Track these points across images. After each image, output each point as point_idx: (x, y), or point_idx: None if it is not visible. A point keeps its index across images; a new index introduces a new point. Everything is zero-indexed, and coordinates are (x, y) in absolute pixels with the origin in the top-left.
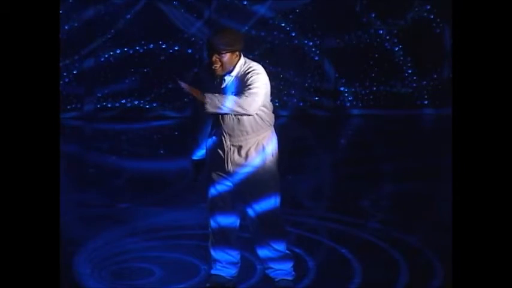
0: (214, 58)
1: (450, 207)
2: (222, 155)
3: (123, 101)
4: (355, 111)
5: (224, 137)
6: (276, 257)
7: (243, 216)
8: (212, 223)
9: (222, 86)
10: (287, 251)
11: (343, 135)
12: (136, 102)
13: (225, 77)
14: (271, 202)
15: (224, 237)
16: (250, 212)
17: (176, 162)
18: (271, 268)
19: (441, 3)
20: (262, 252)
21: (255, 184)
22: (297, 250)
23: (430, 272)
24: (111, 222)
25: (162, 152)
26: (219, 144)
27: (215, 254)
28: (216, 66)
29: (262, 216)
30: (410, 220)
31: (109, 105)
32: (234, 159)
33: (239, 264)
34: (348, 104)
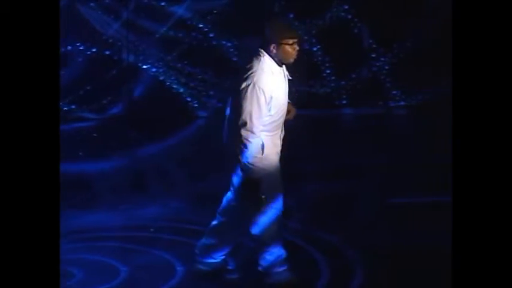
0: (296, 45)
1: (450, 207)
2: (279, 147)
3: None
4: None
5: (281, 129)
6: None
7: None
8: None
9: (284, 75)
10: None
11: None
12: None
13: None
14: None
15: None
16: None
17: (96, 164)
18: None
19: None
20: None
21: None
22: None
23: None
24: None
25: (81, 154)
26: (277, 138)
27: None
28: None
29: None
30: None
31: None
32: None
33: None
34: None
